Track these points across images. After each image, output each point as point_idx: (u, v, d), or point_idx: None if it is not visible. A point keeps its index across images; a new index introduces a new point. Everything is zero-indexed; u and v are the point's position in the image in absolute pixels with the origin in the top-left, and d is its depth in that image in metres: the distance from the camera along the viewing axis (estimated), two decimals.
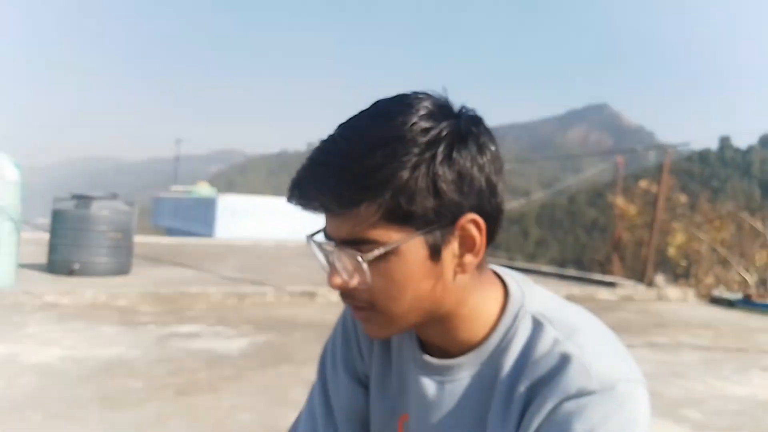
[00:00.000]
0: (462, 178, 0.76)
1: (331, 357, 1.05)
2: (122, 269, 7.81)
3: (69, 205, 7.79)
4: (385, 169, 0.74)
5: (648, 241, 10.95)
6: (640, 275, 10.56)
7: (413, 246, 0.77)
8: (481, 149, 0.78)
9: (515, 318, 0.84)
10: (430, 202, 0.75)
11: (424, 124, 0.75)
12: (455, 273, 0.80)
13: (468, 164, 0.76)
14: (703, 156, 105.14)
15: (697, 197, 15.64)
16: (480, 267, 0.83)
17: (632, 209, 14.20)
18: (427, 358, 0.89)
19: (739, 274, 11.59)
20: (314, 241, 0.83)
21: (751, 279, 11.27)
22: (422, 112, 0.76)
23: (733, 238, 12.99)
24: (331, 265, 0.81)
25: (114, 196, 8.20)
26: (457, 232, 0.78)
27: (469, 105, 0.83)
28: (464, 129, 0.77)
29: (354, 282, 0.79)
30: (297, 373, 4.10)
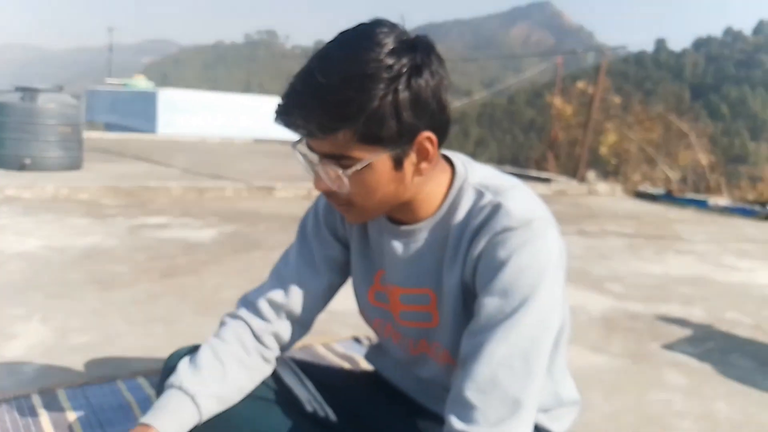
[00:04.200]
0: (418, 103, 0.93)
1: (313, 219, 1.27)
2: (74, 164, 7.81)
3: (14, 98, 7.60)
4: (359, 101, 0.89)
5: (582, 140, 11.56)
6: (573, 172, 11.24)
7: (381, 161, 0.96)
8: (433, 75, 0.95)
9: (460, 190, 1.09)
10: (394, 126, 0.93)
11: (389, 61, 0.90)
12: (413, 176, 1.02)
13: (423, 91, 0.93)
14: (639, 58, 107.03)
15: (630, 99, 16.36)
16: (433, 164, 1.04)
17: (569, 110, 14.76)
18: (396, 226, 1.15)
19: (664, 172, 12.50)
20: (299, 150, 1.01)
21: (674, 176, 12.20)
22: (386, 49, 0.91)
23: (661, 138, 13.84)
24: (315, 173, 1.01)
25: (60, 89, 8.04)
26: (415, 147, 0.98)
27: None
28: (420, 62, 0.93)
29: (335, 187, 1.00)
30: (268, 257, 4.45)
